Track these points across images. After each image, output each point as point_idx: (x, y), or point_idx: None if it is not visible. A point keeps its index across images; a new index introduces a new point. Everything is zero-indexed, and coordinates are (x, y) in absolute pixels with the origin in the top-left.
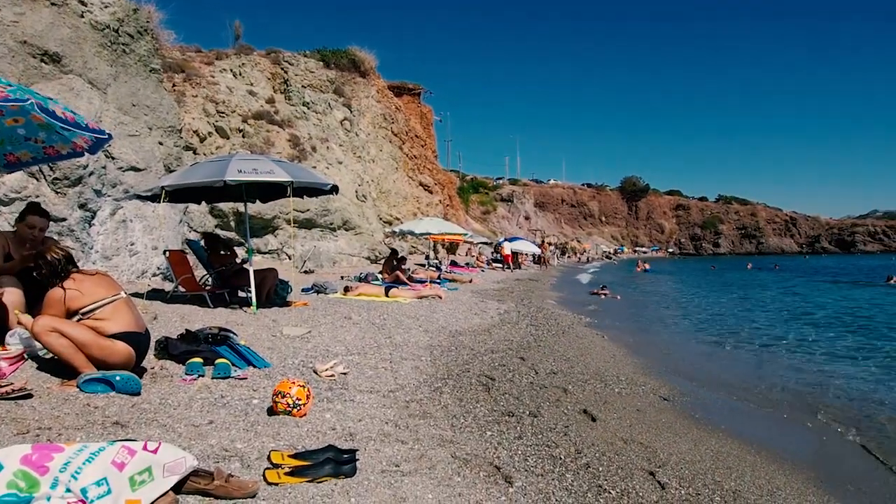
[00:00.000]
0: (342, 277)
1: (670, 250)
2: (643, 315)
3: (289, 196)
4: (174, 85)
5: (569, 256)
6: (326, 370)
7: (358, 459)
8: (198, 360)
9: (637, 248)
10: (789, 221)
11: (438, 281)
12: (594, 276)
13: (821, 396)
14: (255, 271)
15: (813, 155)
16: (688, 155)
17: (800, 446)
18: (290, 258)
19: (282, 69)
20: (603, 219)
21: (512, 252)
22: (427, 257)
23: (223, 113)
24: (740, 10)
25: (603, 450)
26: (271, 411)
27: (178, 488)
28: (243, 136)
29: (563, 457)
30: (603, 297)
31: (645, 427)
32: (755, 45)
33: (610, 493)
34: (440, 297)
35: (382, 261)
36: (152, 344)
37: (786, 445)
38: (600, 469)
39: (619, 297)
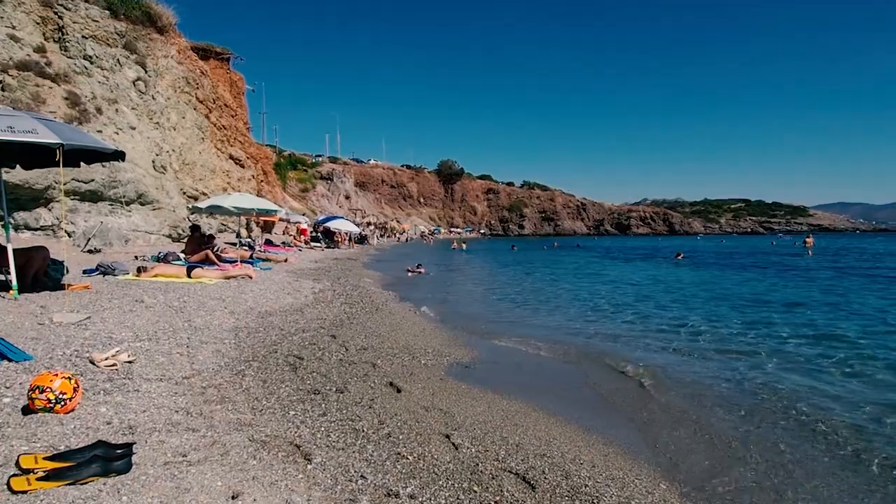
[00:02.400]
0: (136, 257)
1: (482, 231)
2: (454, 290)
3: (58, 162)
4: None
5: (388, 236)
6: (106, 359)
7: (135, 454)
8: None
9: (453, 229)
10: (580, 206)
11: (250, 260)
12: (411, 255)
13: (600, 354)
14: (17, 250)
15: (599, 146)
16: (498, 141)
17: (574, 401)
18: (70, 236)
19: (55, 14)
20: (421, 200)
21: (328, 231)
22: (238, 235)
23: None
24: None
25: (405, 419)
26: (27, 410)
27: None
28: (2, 90)
29: (365, 429)
30: (418, 274)
31: (446, 394)
32: (559, 40)
33: (408, 458)
34: (250, 277)
35: (186, 239)
36: None
37: (563, 401)
38: (400, 437)
39: (431, 275)
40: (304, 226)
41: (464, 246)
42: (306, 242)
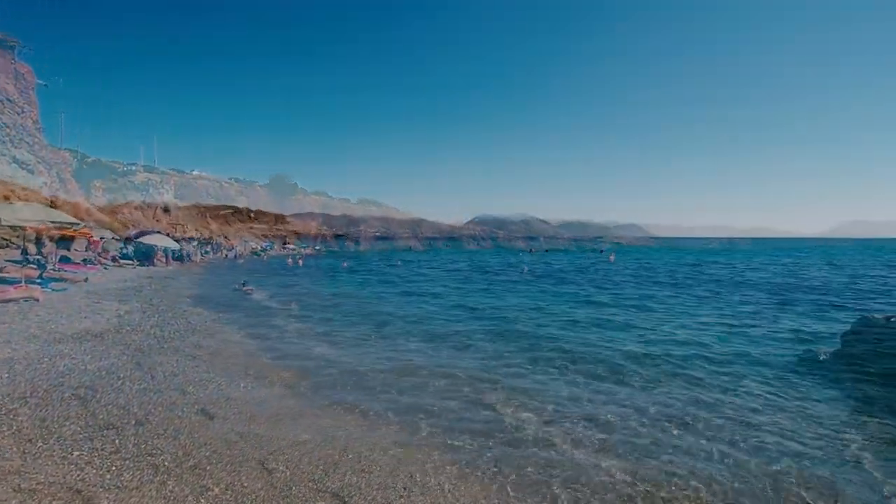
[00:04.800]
0: None
1: (317, 248)
2: (283, 309)
3: None
4: None
5: (215, 253)
6: None
7: None
8: None
9: (286, 246)
10: (416, 224)
11: (39, 281)
12: (238, 273)
13: (421, 366)
14: None
15: (435, 167)
16: (334, 157)
17: (400, 412)
18: None
19: None
20: (252, 215)
21: (142, 246)
22: (24, 252)
23: None
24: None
25: (216, 447)
26: None
27: None
28: None
29: (167, 463)
30: (245, 292)
31: (265, 417)
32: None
33: (213, 490)
34: (36, 300)
35: None
36: None
37: (388, 411)
38: (209, 468)
39: (259, 292)
40: (95, 238)
41: (300, 262)
42: (114, 259)
